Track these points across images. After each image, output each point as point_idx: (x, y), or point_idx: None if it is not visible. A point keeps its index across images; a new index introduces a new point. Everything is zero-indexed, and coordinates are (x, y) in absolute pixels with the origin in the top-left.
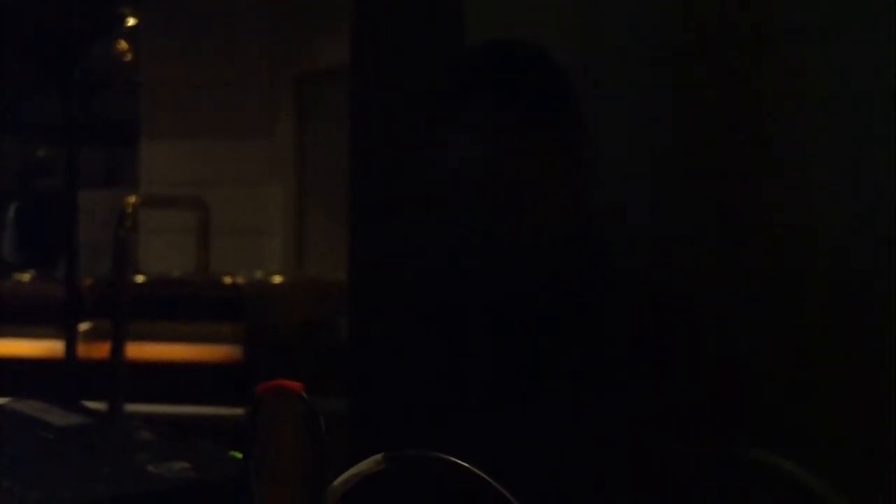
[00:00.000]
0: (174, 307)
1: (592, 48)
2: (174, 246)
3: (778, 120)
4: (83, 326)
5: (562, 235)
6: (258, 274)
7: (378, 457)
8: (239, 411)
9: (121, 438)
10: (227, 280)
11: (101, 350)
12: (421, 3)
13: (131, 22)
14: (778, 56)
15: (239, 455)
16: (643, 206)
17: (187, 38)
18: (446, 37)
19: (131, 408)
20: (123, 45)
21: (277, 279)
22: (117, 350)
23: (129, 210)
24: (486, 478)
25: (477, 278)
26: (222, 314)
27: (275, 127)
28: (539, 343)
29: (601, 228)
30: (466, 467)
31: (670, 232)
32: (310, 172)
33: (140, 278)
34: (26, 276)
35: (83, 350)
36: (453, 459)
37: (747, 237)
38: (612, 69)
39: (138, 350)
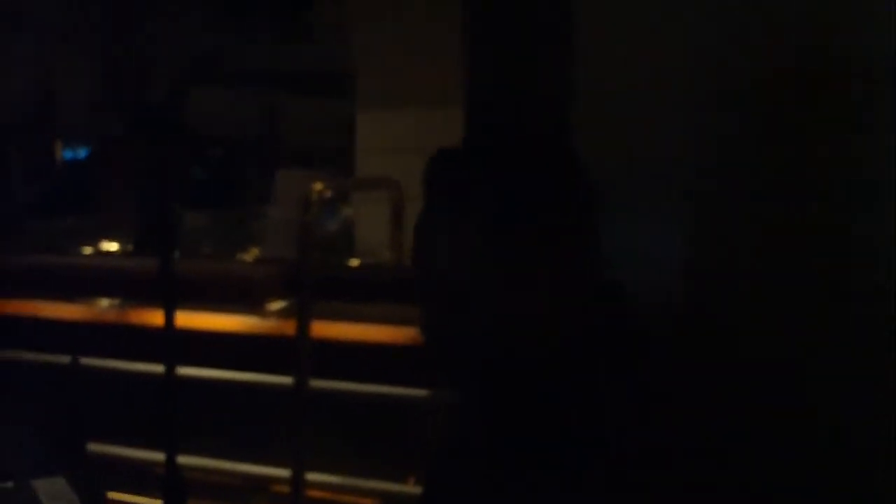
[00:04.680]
0: (367, 289)
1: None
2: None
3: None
4: (276, 305)
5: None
6: None
7: None
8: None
9: None
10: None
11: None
12: None
13: None
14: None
15: None
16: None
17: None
18: None
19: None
20: None
21: None
22: (302, 329)
23: (314, 197)
24: None
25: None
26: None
27: None
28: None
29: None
30: None
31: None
32: None
33: (355, 262)
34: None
35: (278, 327)
36: None
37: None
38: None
39: (332, 329)
